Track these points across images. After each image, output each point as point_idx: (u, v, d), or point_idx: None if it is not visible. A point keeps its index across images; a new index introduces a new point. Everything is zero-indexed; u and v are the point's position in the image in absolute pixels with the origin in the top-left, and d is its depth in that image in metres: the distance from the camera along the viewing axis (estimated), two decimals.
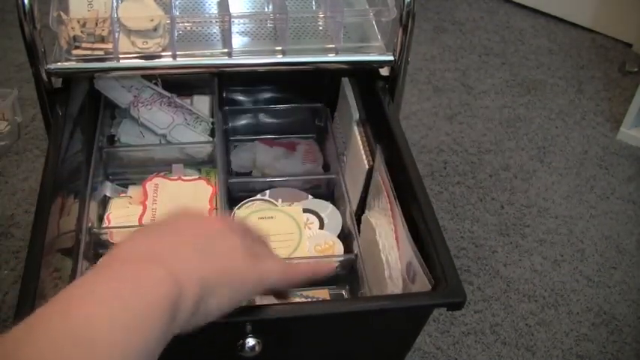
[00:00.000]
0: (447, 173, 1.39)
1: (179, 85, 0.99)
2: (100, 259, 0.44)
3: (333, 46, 0.86)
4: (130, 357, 0.38)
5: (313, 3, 0.93)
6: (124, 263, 0.43)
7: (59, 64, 0.79)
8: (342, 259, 0.86)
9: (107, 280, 0.41)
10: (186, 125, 0.95)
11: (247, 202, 0.94)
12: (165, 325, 0.40)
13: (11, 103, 1.27)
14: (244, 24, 0.88)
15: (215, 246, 0.47)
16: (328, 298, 0.87)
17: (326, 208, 0.93)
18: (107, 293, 0.39)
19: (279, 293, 0.56)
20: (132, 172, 0.93)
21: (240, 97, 1.06)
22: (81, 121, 0.86)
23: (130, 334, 0.38)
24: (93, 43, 0.80)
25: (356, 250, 0.84)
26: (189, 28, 0.87)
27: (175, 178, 0.90)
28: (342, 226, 0.91)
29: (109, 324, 0.38)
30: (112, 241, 0.80)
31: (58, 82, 0.81)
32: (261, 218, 0.90)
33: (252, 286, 0.49)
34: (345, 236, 0.90)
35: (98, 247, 0.80)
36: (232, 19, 0.85)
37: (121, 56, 0.80)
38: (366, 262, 0.81)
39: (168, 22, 0.82)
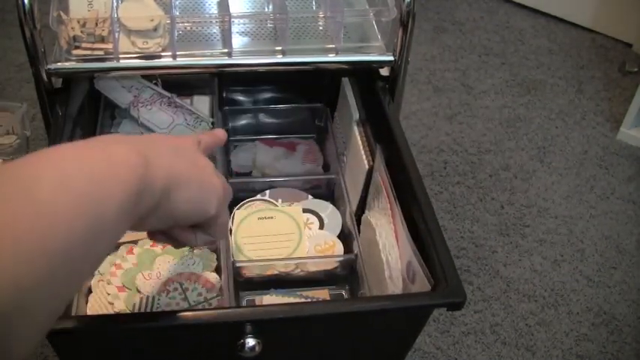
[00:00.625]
0: (447, 173, 1.39)
1: (179, 85, 0.99)
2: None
3: (333, 46, 0.86)
4: (81, 220, 0.37)
5: (313, 3, 0.93)
6: (100, 141, 0.44)
7: (59, 64, 0.79)
8: (342, 259, 0.86)
9: (79, 147, 0.41)
10: (186, 125, 0.95)
11: (247, 202, 0.94)
12: (128, 199, 0.40)
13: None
14: (244, 24, 0.88)
15: (186, 153, 0.50)
16: (328, 298, 0.87)
17: (326, 208, 0.94)
18: (76, 155, 0.40)
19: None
20: None
21: (240, 97, 1.06)
22: (81, 121, 0.86)
23: (87, 190, 0.38)
24: (93, 43, 0.80)
25: (356, 250, 0.84)
26: (189, 28, 0.87)
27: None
28: (342, 226, 0.91)
29: (64, 177, 0.37)
30: None
31: (58, 82, 0.81)
32: (261, 218, 0.90)
33: (216, 193, 0.51)
34: (345, 236, 0.90)
35: None
36: (232, 19, 0.85)
37: (121, 56, 0.80)
38: (366, 262, 0.81)
39: (168, 22, 0.82)
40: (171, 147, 0.49)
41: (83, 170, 0.39)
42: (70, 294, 0.39)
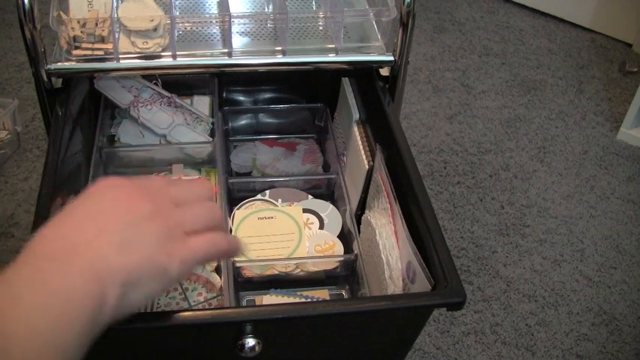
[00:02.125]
0: (447, 173, 1.39)
1: (179, 85, 0.99)
2: (20, 255, 0.44)
3: (333, 46, 0.86)
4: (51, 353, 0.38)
5: (313, 3, 0.93)
6: (45, 260, 0.42)
7: (59, 64, 0.79)
8: (342, 259, 0.86)
9: (28, 280, 0.41)
10: (186, 125, 0.95)
11: (247, 202, 0.94)
12: (88, 323, 0.41)
13: (12, 113, 1.29)
14: (244, 24, 0.88)
15: (138, 233, 0.45)
16: (328, 298, 0.87)
17: (326, 208, 0.94)
18: (28, 293, 0.40)
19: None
20: (132, 172, 0.93)
21: (240, 97, 1.06)
22: (81, 121, 0.86)
23: (52, 333, 0.39)
24: (93, 43, 0.80)
25: (356, 250, 0.84)
26: (189, 28, 0.87)
27: (175, 178, 0.90)
28: (342, 226, 0.91)
29: (29, 327, 0.38)
30: None
31: (58, 82, 0.81)
32: (261, 218, 0.90)
33: (177, 273, 0.47)
34: (345, 236, 0.90)
35: None
36: (232, 20, 0.85)
37: (121, 56, 0.80)
38: (366, 262, 0.81)
39: (168, 22, 0.82)
40: (121, 235, 0.45)
41: (47, 320, 0.39)
42: None
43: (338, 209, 0.94)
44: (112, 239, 0.44)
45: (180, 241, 0.48)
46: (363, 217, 0.84)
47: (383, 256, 0.72)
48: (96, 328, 0.42)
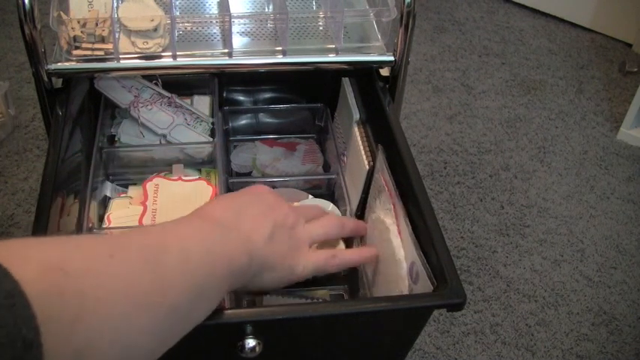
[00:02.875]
0: (447, 173, 1.39)
1: (179, 85, 0.99)
2: (192, 212, 0.56)
3: (334, 46, 0.86)
4: (191, 286, 0.47)
5: (313, 3, 0.93)
6: (213, 222, 0.54)
7: (59, 64, 0.79)
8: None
9: (194, 231, 0.51)
10: (187, 125, 0.95)
11: None
12: (229, 277, 0.51)
13: (3, 95, 1.28)
14: (244, 24, 0.88)
15: (281, 235, 0.59)
16: (328, 298, 0.87)
17: (326, 207, 0.93)
18: (192, 241, 0.50)
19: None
20: (132, 172, 0.93)
21: (240, 97, 1.06)
22: (81, 121, 0.86)
23: (202, 270, 0.48)
24: (93, 43, 0.80)
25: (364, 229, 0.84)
26: (189, 28, 0.87)
27: (175, 178, 0.90)
28: None
29: (188, 256, 0.47)
30: None
31: (58, 82, 0.81)
32: None
33: (298, 275, 0.61)
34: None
35: None
36: (232, 20, 0.85)
37: (121, 56, 0.80)
38: (369, 262, 0.80)
39: (168, 22, 0.82)
40: (271, 231, 0.57)
41: (201, 251, 0.49)
42: (172, 342, 0.46)
43: (338, 209, 0.94)
44: (264, 231, 0.57)
45: (305, 250, 0.62)
46: (372, 217, 0.84)
47: (396, 255, 0.72)
48: (231, 286, 0.53)
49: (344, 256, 0.66)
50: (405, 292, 0.69)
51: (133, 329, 0.41)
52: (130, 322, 0.41)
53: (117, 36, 0.80)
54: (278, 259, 0.58)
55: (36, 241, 0.40)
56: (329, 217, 0.70)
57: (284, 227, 0.60)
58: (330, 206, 0.94)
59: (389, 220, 0.74)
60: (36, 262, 0.37)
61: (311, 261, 0.62)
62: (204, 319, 0.50)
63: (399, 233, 0.71)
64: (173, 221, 0.52)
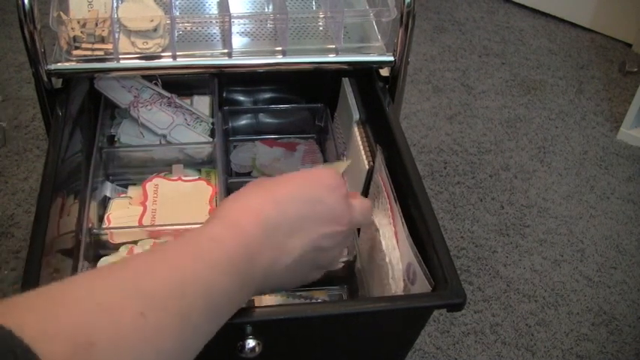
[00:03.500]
0: (447, 173, 1.39)
1: (179, 85, 0.99)
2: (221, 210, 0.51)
3: (333, 46, 0.86)
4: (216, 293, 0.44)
5: (313, 3, 0.93)
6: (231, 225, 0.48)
7: (59, 64, 0.79)
8: (341, 259, 0.86)
9: (211, 235, 0.47)
10: (186, 125, 0.95)
11: None
12: (241, 276, 0.47)
13: None
14: (244, 24, 0.88)
15: (305, 228, 0.52)
16: (327, 299, 0.87)
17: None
18: (207, 246, 0.46)
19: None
20: (132, 173, 0.93)
21: (240, 97, 1.06)
22: (81, 121, 0.86)
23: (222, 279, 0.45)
24: (93, 43, 0.80)
25: (355, 250, 0.84)
26: (189, 28, 0.87)
27: (175, 178, 0.90)
28: None
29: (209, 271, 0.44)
30: (112, 241, 0.80)
31: (58, 83, 0.81)
32: None
33: (313, 277, 0.57)
34: None
35: (98, 248, 0.80)
36: (232, 20, 0.85)
37: (121, 56, 0.80)
38: (367, 263, 0.81)
39: (168, 22, 0.82)
40: (301, 255, 0.51)
41: (223, 289, 0.45)
42: (196, 350, 0.44)
43: None
44: (292, 255, 0.51)
45: (330, 260, 0.56)
46: None
47: (386, 256, 0.72)
48: (238, 303, 0.49)
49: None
50: (398, 292, 0.69)
51: None
52: None
53: (117, 36, 0.80)
54: (295, 256, 0.52)
55: (58, 308, 0.36)
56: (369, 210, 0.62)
57: (321, 250, 0.53)
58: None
59: (384, 221, 0.74)
60: (64, 339, 0.34)
61: (335, 260, 0.58)
62: None
63: (395, 234, 0.71)
64: (200, 233, 0.47)
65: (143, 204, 0.85)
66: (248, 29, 0.88)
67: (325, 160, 1.04)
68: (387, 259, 0.71)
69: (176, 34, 0.84)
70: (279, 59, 0.84)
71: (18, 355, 0.31)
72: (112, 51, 0.80)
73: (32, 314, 0.35)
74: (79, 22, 0.79)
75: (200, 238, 0.47)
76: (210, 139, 0.95)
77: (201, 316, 0.43)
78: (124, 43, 0.81)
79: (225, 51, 0.84)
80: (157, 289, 0.41)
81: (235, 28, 0.87)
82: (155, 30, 0.82)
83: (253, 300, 0.85)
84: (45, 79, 0.79)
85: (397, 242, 0.71)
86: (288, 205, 0.51)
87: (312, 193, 0.53)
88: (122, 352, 0.36)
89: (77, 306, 0.37)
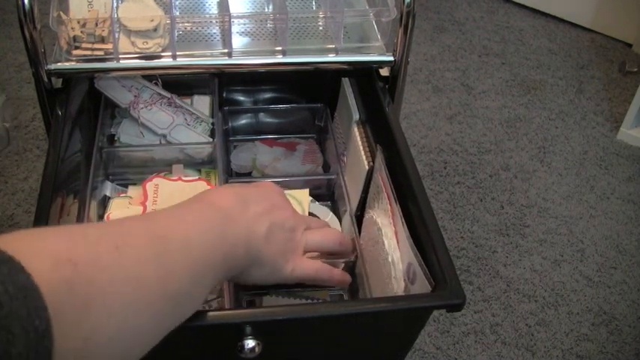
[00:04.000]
0: (447, 173, 1.39)
1: (179, 85, 0.99)
2: (196, 196, 0.57)
3: (333, 46, 0.85)
4: (188, 275, 0.48)
5: (313, 3, 0.93)
6: (214, 207, 0.55)
7: (59, 64, 0.79)
8: (342, 260, 0.86)
9: (195, 215, 0.53)
10: (187, 125, 0.95)
11: None
12: (223, 265, 0.53)
13: (0, 108, 1.28)
14: (244, 24, 0.88)
15: (279, 235, 0.59)
16: (328, 299, 0.87)
17: (326, 215, 0.93)
18: (192, 224, 0.51)
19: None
20: (132, 172, 0.93)
21: (240, 97, 1.06)
22: (81, 121, 0.86)
23: (200, 262, 0.50)
24: (93, 43, 0.80)
25: (357, 250, 0.84)
26: (189, 28, 0.87)
27: (175, 178, 0.90)
28: (341, 228, 0.91)
29: (188, 250, 0.49)
30: None
31: (58, 82, 0.81)
32: None
33: (286, 277, 0.62)
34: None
35: None
36: (232, 20, 0.85)
37: (121, 56, 0.80)
38: (368, 263, 0.81)
39: (168, 22, 0.82)
40: (269, 229, 0.58)
41: (202, 240, 0.50)
42: (173, 326, 0.49)
43: (338, 209, 0.94)
44: (262, 228, 0.57)
45: (298, 255, 0.63)
46: (366, 217, 0.84)
47: (389, 255, 0.72)
48: (225, 275, 0.55)
49: (333, 274, 0.68)
50: (400, 292, 0.69)
51: (138, 316, 0.43)
52: (134, 309, 0.43)
53: (117, 36, 0.80)
54: (270, 258, 0.59)
55: (45, 233, 0.42)
56: (329, 230, 0.71)
57: (283, 228, 0.60)
58: (329, 215, 0.93)
59: (385, 221, 0.74)
60: (47, 254, 0.38)
61: (301, 267, 0.63)
62: (200, 307, 0.53)
63: (396, 234, 0.71)
64: (178, 206, 0.53)
65: (143, 204, 0.85)
66: (248, 29, 0.88)
67: (325, 160, 1.04)
68: (390, 259, 0.71)
69: (176, 34, 0.84)
70: (279, 59, 0.84)
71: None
72: (112, 51, 0.80)
73: (26, 235, 0.39)
74: (79, 22, 0.79)
75: (178, 210, 0.53)
76: (210, 139, 0.95)
77: (177, 260, 0.47)
78: (124, 43, 0.81)
79: (225, 51, 0.84)
80: (137, 232, 0.47)
81: (235, 28, 0.87)
82: (155, 30, 0.82)
83: (254, 300, 0.85)
84: (45, 79, 0.79)
85: (397, 242, 0.71)
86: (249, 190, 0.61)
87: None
88: (97, 273, 0.41)
89: (63, 232, 0.43)
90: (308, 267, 0.63)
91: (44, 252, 0.39)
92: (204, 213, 0.54)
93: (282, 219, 0.61)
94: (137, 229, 0.47)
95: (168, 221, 0.50)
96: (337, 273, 0.69)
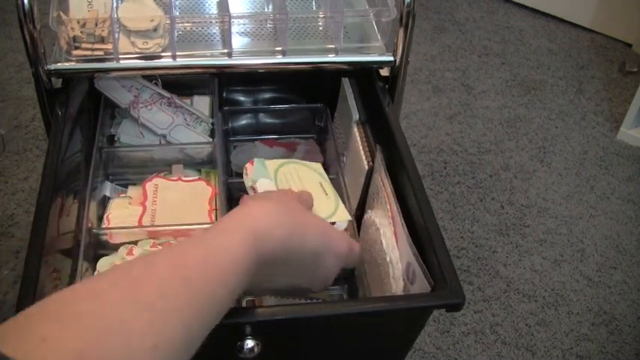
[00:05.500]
0: (447, 173, 1.39)
1: (179, 85, 0.99)
2: (227, 221, 0.52)
3: (333, 46, 0.85)
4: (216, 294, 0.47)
5: (313, 3, 0.93)
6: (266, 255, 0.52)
7: (59, 64, 0.79)
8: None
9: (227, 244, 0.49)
10: (186, 126, 0.95)
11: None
12: (240, 278, 0.49)
13: None
14: (244, 24, 0.88)
15: (302, 264, 0.57)
16: (327, 299, 0.87)
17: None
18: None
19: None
20: (132, 173, 0.93)
21: (240, 98, 1.06)
22: (81, 121, 0.86)
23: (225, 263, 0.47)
24: (93, 43, 0.80)
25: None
26: (189, 28, 0.87)
27: (175, 178, 0.90)
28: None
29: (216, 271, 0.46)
30: (111, 241, 0.80)
31: (58, 82, 0.81)
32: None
33: (313, 284, 0.60)
34: None
35: (98, 248, 0.80)
36: (232, 20, 0.85)
37: (120, 56, 0.80)
38: (367, 262, 0.81)
39: (168, 22, 0.82)
40: (288, 259, 0.55)
41: (234, 288, 0.49)
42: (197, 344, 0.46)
43: None
44: (287, 263, 0.55)
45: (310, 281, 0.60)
46: (365, 217, 0.84)
47: (387, 255, 0.72)
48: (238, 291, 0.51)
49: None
50: (399, 292, 0.69)
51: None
52: None
53: (116, 36, 0.80)
54: (286, 282, 0.58)
55: (53, 329, 0.36)
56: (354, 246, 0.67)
57: (314, 259, 0.58)
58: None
59: (383, 221, 0.74)
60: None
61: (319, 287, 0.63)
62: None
63: (395, 234, 0.71)
64: (220, 246, 0.49)
65: (143, 204, 0.85)
66: (248, 29, 0.88)
67: (325, 161, 1.04)
68: (388, 259, 0.71)
69: (176, 34, 0.84)
70: (279, 59, 0.84)
71: None
72: (111, 51, 0.80)
73: (31, 334, 0.35)
74: (78, 22, 0.79)
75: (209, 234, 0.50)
76: (210, 140, 0.95)
77: (205, 306, 0.45)
78: (123, 43, 0.81)
79: (225, 51, 0.84)
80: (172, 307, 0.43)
81: (235, 28, 0.87)
82: (155, 30, 0.82)
83: (253, 300, 0.85)
84: (45, 79, 0.79)
85: (397, 242, 0.71)
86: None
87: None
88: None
89: (75, 324, 0.37)
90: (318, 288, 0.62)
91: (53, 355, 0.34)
92: (251, 261, 0.50)
93: (338, 256, 0.60)
94: (173, 295, 0.43)
95: (205, 272, 0.46)
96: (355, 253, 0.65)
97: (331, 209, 0.79)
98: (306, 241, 0.55)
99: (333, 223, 0.77)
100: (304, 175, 0.83)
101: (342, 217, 0.78)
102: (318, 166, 0.88)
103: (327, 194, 0.80)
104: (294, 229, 0.54)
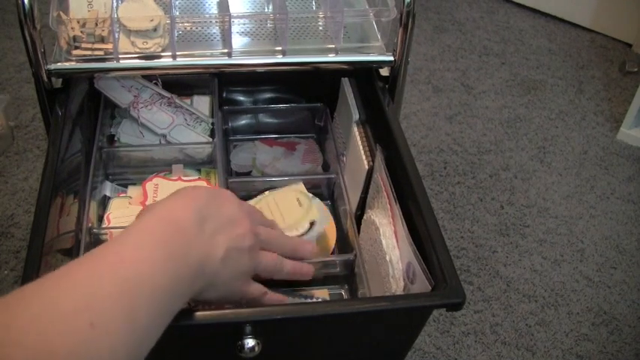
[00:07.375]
0: (447, 173, 1.39)
1: (179, 85, 0.99)
2: (141, 216, 0.55)
3: (333, 46, 0.86)
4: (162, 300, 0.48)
5: (313, 3, 0.93)
6: (171, 225, 0.53)
7: (59, 64, 0.79)
8: (341, 259, 0.86)
9: (149, 233, 0.51)
10: (186, 125, 0.95)
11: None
12: (181, 287, 0.51)
13: (3, 108, 1.29)
14: (244, 24, 0.88)
15: (236, 257, 0.57)
16: (328, 298, 0.87)
17: (320, 208, 0.93)
18: (148, 243, 0.50)
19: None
20: (132, 172, 0.93)
21: (240, 97, 1.06)
22: (81, 121, 0.86)
23: (166, 286, 0.49)
24: (93, 43, 0.80)
25: (356, 250, 0.84)
26: (189, 28, 0.87)
27: (175, 178, 0.90)
28: (342, 227, 0.91)
29: (153, 270, 0.48)
30: None
31: (58, 82, 0.81)
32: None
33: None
34: (344, 236, 0.90)
35: None
36: (232, 20, 0.85)
37: (120, 56, 0.80)
38: (367, 262, 0.81)
39: (168, 22, 0.82)
40: (226, 251, 0.56)
41: (169, 275, 0.50)
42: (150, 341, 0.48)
43: (338, 209, 0.94)
44: (219, 251, 0.55)
45: (253, 284, 0.61)
46: (365, 217, 0.84)
47: (386, 255, 0.72)
48: (187, 299, 0.53)
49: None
50: (399, 292, 0.69)
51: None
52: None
53: (116, 36, 0.80)
54: (225, 281, 0.57)
55: (18, 319, 0.40)
56: (285, 241, 0.68)
57: (239, 250, 0.58)
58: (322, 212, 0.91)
59: (383, 221, 0.74)
60: (23, 349, 0.38)
61: (255, 287, 0.62)
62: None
63: (395, 234, 0.72)
64: (132, 233, 0.51)
65: (143, 204, 0.85)
66: (248, 29, 0.88)
67: (325, 160, 1.04)
68: (388, 258, 0.71)
69: (176, 34, 0.84)
70: (279, 59, 0.84)
71: None
72: (111, 51, 0.80)
73: None
74: (78, 22, 0.79)
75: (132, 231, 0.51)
76: (210, 139, 0.95)
77: (145, 304, 0.47)
78: (123, 43, 0.81)
79: (225, 51, 0.84)
80: (109, 293, 0.45)
81: (235, 28, 0.87)
82: (155, 30, 0.82)
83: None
84: (45, 79, 0.79)
85: (397, 242, 0.71)
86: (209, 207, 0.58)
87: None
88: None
89: (36, 316, 0.40)
90: (260, 287, 0.63)
91: (20, 346, 0.38)
92: (165, 236, 0.51)
93: (239, 238, 0.58)
94: (108, 285, 0.45)
95: (135, 260, 0.48)
96: (290, 271, 0.66)
97: (300, 214, 0.82)
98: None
99: (312, 224, 0.80)
100: (280, 198, 0.86)
101: (313, 215, 0.81)
102: (299, 185, 0.89)
103: (301, 205, 0.83)
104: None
